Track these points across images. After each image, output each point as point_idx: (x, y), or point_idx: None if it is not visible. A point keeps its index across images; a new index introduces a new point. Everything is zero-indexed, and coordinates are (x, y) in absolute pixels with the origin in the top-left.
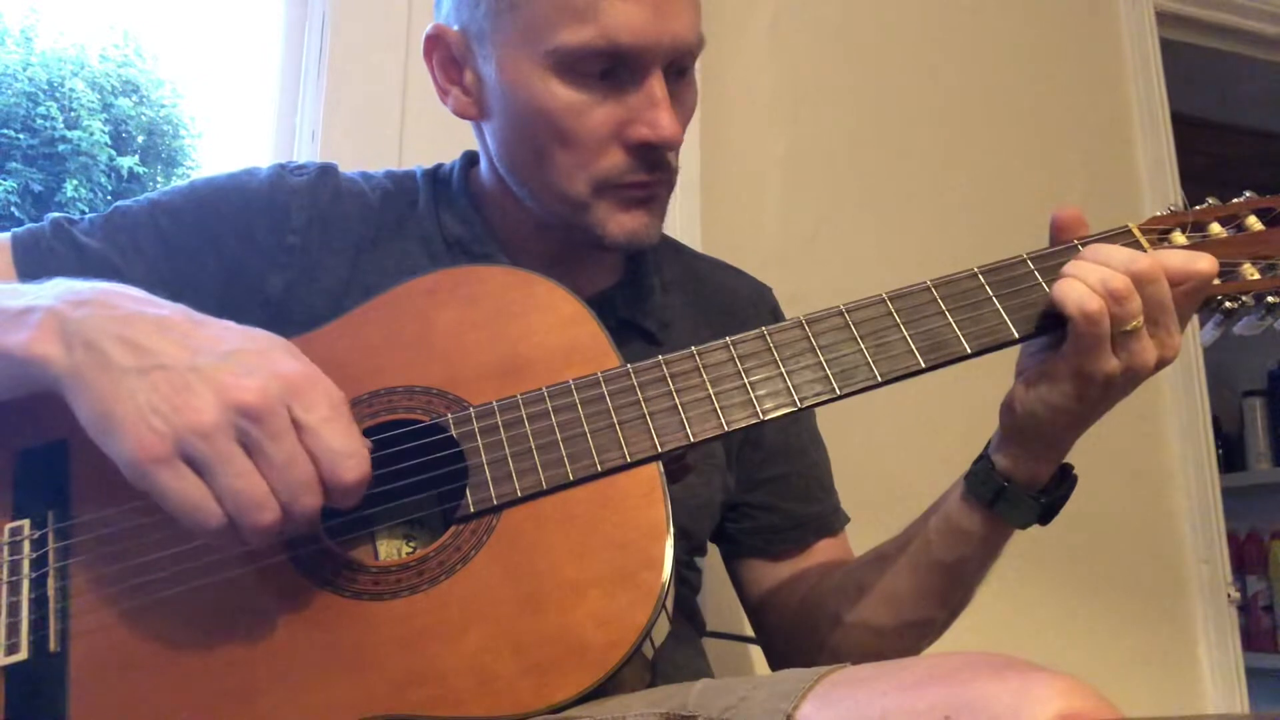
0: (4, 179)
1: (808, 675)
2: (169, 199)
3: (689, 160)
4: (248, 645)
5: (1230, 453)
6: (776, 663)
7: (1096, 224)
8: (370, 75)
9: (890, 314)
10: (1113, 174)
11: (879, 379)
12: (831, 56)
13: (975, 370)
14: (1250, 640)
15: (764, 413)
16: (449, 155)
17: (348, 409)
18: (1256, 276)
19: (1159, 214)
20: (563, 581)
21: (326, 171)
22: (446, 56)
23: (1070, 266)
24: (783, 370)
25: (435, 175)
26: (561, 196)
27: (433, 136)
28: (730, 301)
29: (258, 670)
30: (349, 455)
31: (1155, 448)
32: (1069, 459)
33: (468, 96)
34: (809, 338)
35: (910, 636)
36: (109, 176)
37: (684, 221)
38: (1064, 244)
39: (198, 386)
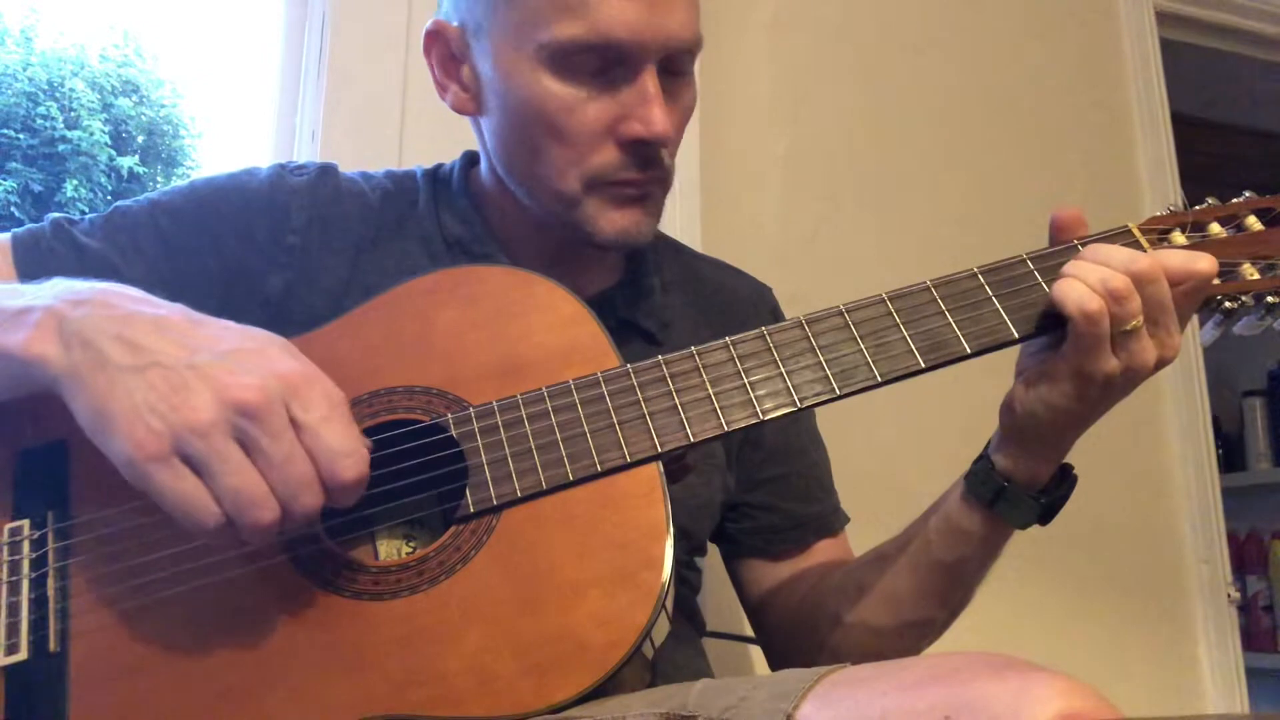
0: (4, 179)
1: (808, 675)
2: (169, 199)
3: (689, 160)
4: (248, 645)
5: (1230, 453)
6: (776, 663)
7: (1096, 224)
8: (370, 75)
9: (890, 314)
10: (1113, 174)
11: (879, 379)
12: (831, 56)
13: (975, 370)
14: (1250, 640)
15: (764, 413)
16: (449, 155)
17: (347, 408)
18: (1256, 276)
19: (1159, 214)
20: (563, 581)
21: (326, 171)
22: (445, 52)
23: (1070, 266)
24: (782, 370)
25: (435, 175)
26: (554, 193)
27: (433, 136)
28: (730, 301)
29: (257, 670)
30: (347, 454)
31: (1155, 448)
32: (1069, 459)
33: (465, 92)
34: (809, 338)
35: (910, 636)
36: (109, 176)
37: (684, 221)
38: (1064, 244)
39: (195, 385)
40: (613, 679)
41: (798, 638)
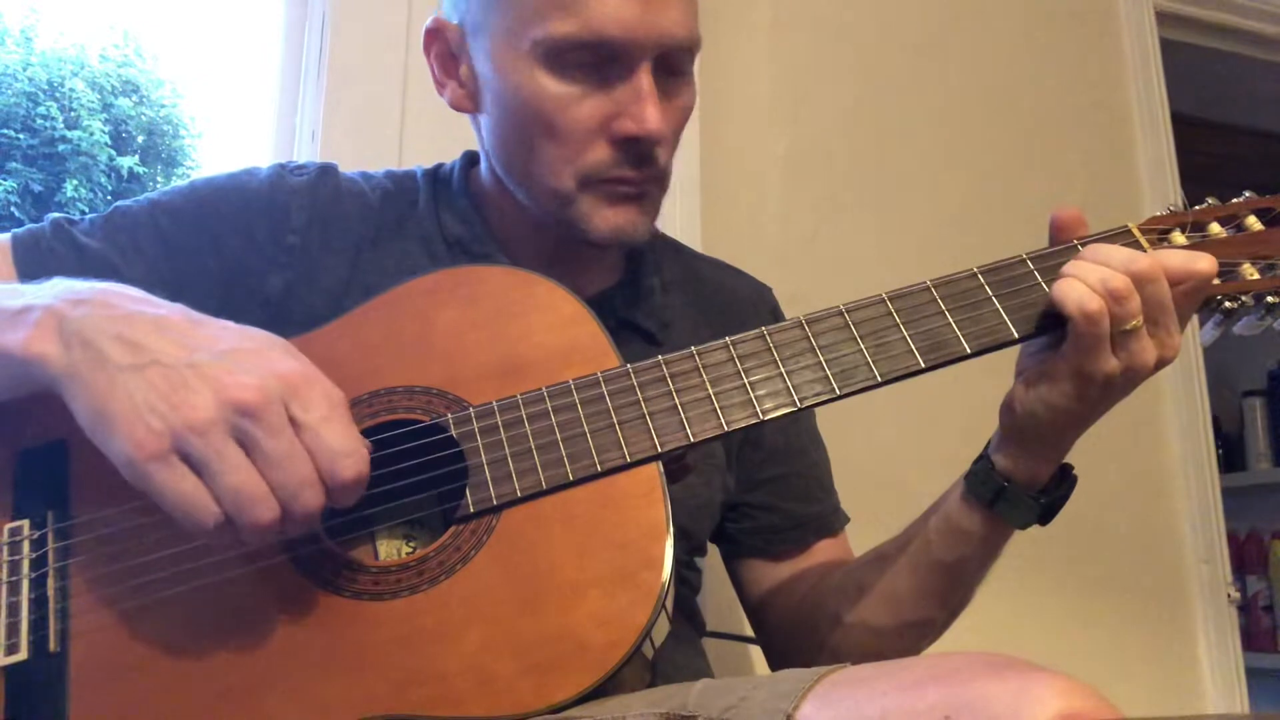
0: (4, 179)
1: (808, 675)
2: (169, 199)
3: (689, 160)
4: (247, 645)
5: (1230, 453)
6: (776, 663)
7: (1096, 224)
8: (370, 75)
9: (890, 314)
10: (1113, 174)
11: (879, 379)
12: (831, 56)
13: (975, 370)
14: (1250, 640)
15: (764, 413)
16: (449, 155)
17: (346, 408)
18: (1256, 276)
19: (1159, 214)
20: (563, 581)
21: (326, 171)
22: (444, 50)
23: (1070, 266)
24: (782, 370)
25: (435, 175)
26: (548, 190)
27: (433, 136)
28: (730, 301)
29: (257, 670)
30: (347, 454)
31: (1155, 448)
32: (1069, 459)
33: (463, 90)
34: (809, 338)
35: (910, 636)
36: (109, 176)
37: (684, 221)
38: (1064, 244)
39: (195, 384)
40: (613, 679)
41: (798, 638)
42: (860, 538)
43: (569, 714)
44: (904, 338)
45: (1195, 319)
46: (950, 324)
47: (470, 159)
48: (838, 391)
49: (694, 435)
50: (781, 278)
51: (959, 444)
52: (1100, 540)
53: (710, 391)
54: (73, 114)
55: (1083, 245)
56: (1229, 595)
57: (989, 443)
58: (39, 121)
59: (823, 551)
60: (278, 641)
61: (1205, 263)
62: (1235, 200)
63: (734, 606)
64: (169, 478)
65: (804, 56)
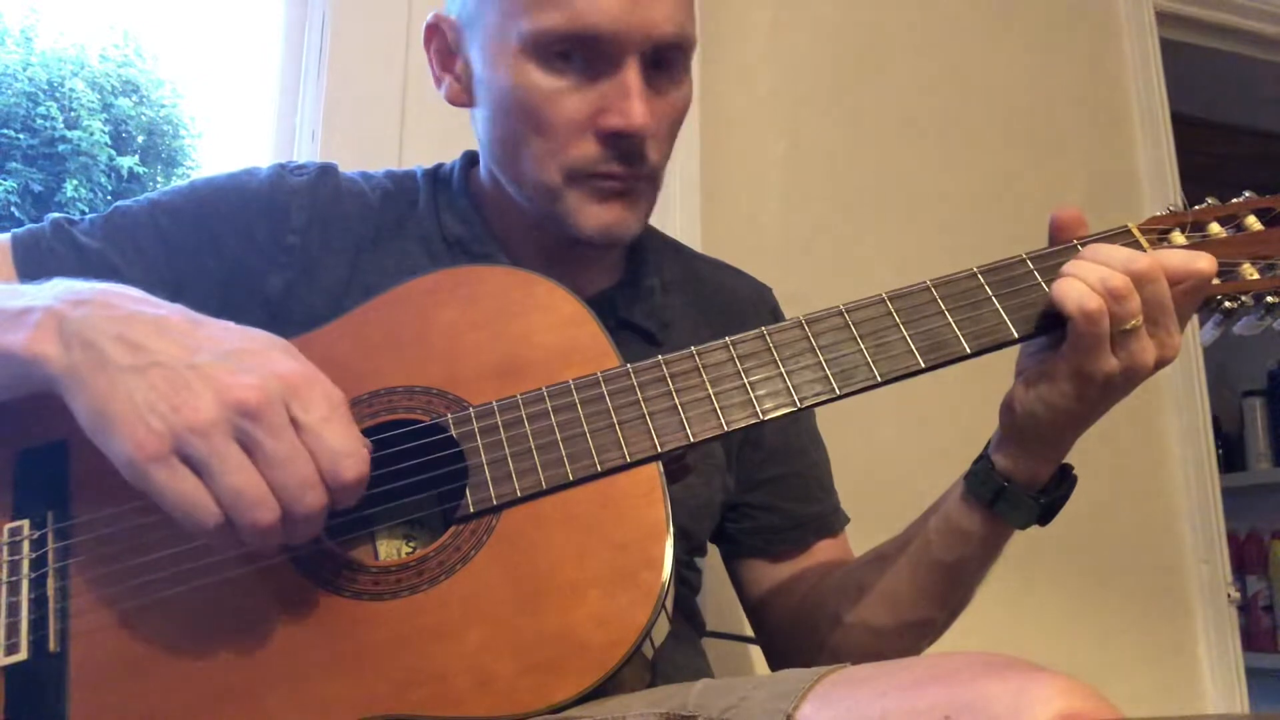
0: (4, 179)
1: (808, 675)
2: (169, 199)
3: (689, 160)
4: (247, 646)
5: (1230, 453)
6: (776, 663)
7: (1096, 224)
8: (370, 75)
9: (890, 314)
10: (1113, 174)
11: (879, 379)
12: (831, 57)
13: (975, 370)
14: (1250, 640)
15: (764, 413)
16: (449, 155)
17: (347, 409)
18: (1256, 276)
19: (1159, 214)
20: (563, 581)
21: (326, 171)
22: (443, 45)
23: (1070, 266)
24: (782, 370)
25: (435, 175)
26: (536, 185)
27: (433, 136)
28: (730, 301)
29: (257, 670)
30: (348, 455)
31: (1155, 448)
32: (1069, 459)
33: (459, 84)
34: (809, 338)
35: (910, 637)
36: (109, 176)
37: (684, 221)
38: (1064, 244)
39: (196, 385)
40: (613, 679)
41: (797, 638)
42: (860, 538)
43: (569, 714)
44: (904, 338)
45: (1195, 319)
46: (950, 324)
47: (470, 159)
48: (838, 391)
49: (694, 435)
50: (781, 278)
51: (959, 444)
52: (1100, 540)
53: (710, 391)
54: (73, 114)
55: (1083, 245)
56: (1229, 595)
57: (989, 443)
58: (39, 121)
59: (822, 551)
60: (278, 641)
61: (1205, 262)
62: (1235, 200)
63: (734, 606)
64: (169, 478)
65: (804, 56)
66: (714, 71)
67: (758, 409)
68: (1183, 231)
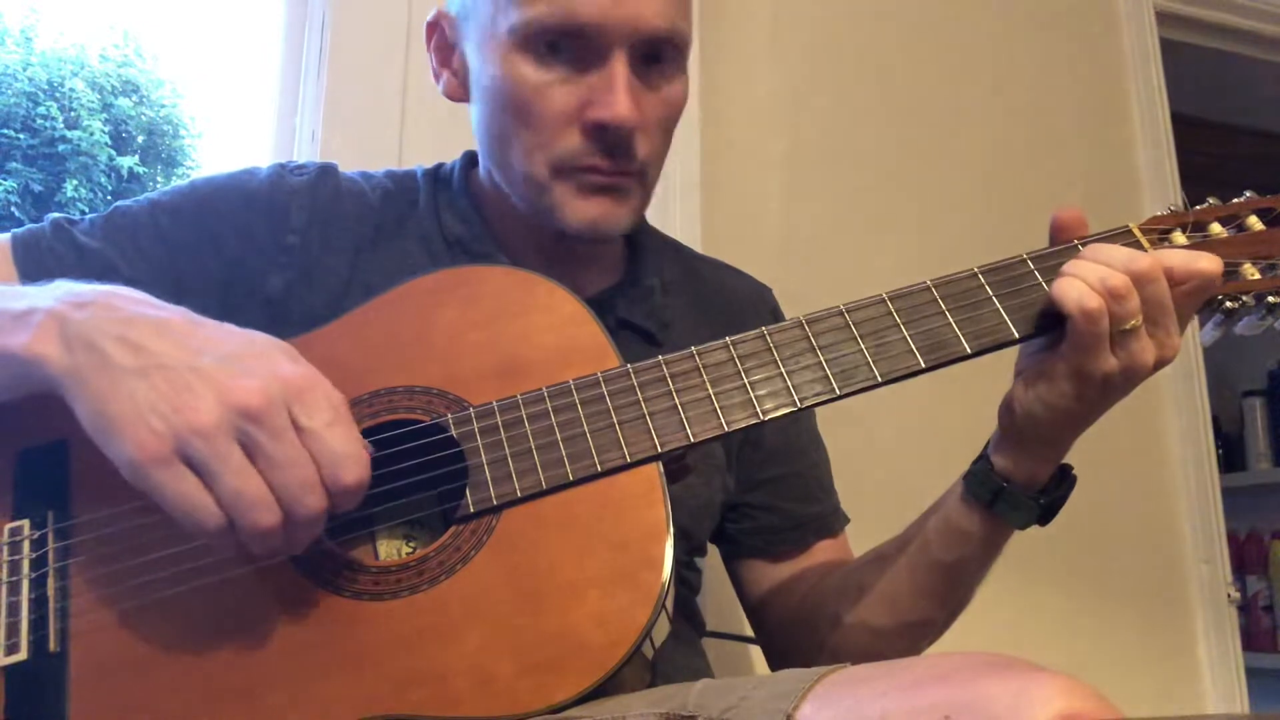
0: (4, 179)
1: (808, 675)
2: (169, 199)
3: (689, 160)
4: (247, 646)
5: (1230, 453)
6: (776, 663)
7: (1096, 224)
8: (370, 75)
9: (890, 314)
10: (1113, 174)
11: (879, 379)
12: (831, 56)
13: (975, 370)
14: (1250, 640)
15: (764, 413)
16: (449, 155)
17: (348, 412)
18: (1257, 276)
19: (1159, 214)
20: (563, 582)
21: (326, 171)
22: (442, 40)
23: (1070, 265)
24: (783, 370)
25: (436, 175)
26: (525, 178)
27: (433, 136)
28: (730, 301)
29: (257, 670)
30: (348, 458)
31: (1155, 448)
32: (1068, 459)
33: (455, 78)
34: (809, 338)
35: (910, 637)
36: (109, 176)
37: (684, 221)
38: (1064, 244)
39: (198, 387)
40: (613, 679)
41: (797, 638)
42: (860, 538)
43: (569, 714)
44: (904, 338)
45: (1195, 319)
46: (950, 324)
47: (470, 159)
48: (838, 391)
49: (694, 435)
50: (781, 278)
51: (959, 444)
52: (1100, 540)
53: (710, 392)
54: (73, 114)
55: (1083, 245)
56: (1229, 595)
57: (988, 443)
58: (39, 121)
59: (822, 552)
60: (278, 641)
61: (1207, 262)
62: (1236, 200)
63: (734, 606)
64: (171, 480)
65: (804, 56)
66: (714, 71)
67: (758, 409)
68: (1184, 231)
